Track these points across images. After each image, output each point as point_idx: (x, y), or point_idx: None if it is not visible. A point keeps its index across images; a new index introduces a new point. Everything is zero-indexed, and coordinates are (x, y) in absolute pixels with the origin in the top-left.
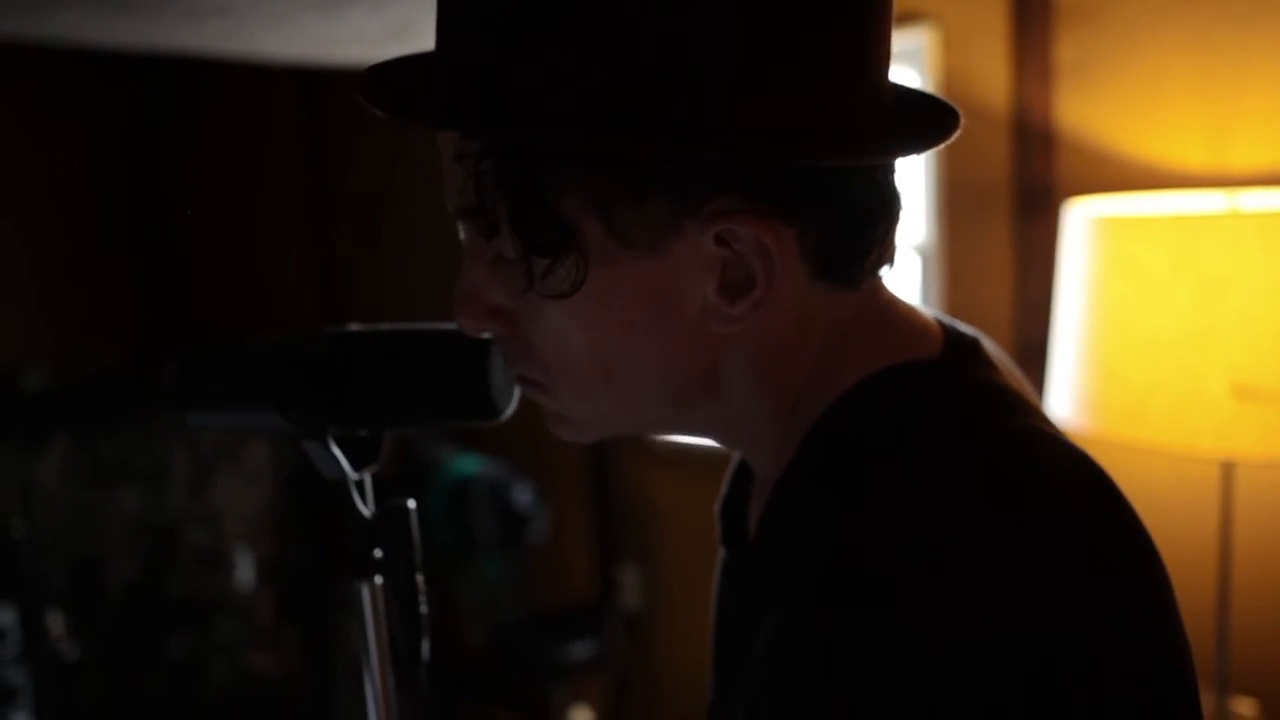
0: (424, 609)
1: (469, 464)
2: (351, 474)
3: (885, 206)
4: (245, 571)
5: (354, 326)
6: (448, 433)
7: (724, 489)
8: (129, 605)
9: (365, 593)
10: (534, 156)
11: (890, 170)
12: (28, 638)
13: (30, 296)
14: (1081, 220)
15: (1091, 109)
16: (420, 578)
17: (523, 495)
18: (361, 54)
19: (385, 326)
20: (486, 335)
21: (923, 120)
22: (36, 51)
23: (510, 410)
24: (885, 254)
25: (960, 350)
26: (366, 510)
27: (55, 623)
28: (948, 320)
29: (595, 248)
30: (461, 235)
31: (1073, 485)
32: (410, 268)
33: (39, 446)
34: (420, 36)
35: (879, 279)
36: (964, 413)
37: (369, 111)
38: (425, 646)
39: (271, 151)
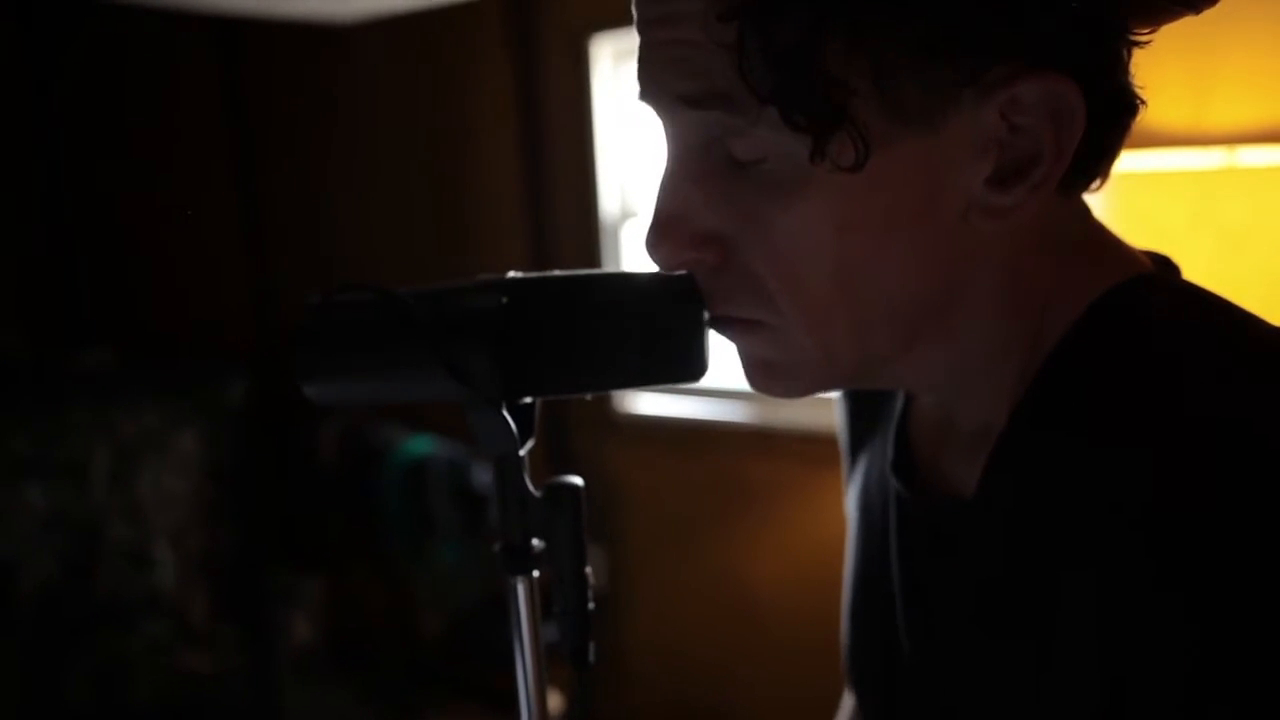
0: (592, 605)
1: (422, 444)
2: (521, 449)
3: (1135, 94)
4: (173, 567)
5: (515, 274)
6: (397, 412)
7: (892, 450)
8: (46, 608)
9: (522, 588)
10: (814, 6)
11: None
12: None
13: None
14: None
15: None
16: (589, 569)
17: (481, 475)
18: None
19: (557, 273)
20: (683, 271)
21: None
22: None
23: (710, 368)
24: (1113, 161)
25: (1168, 266)
26: (535, 490)
27: None
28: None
29: (869, 121)
30: (668, 146)
31: None
32: (351, 229)
33: None
34: None
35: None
36: (1233, 319)
37: None
38: (591, 648)
39: (192, 113)
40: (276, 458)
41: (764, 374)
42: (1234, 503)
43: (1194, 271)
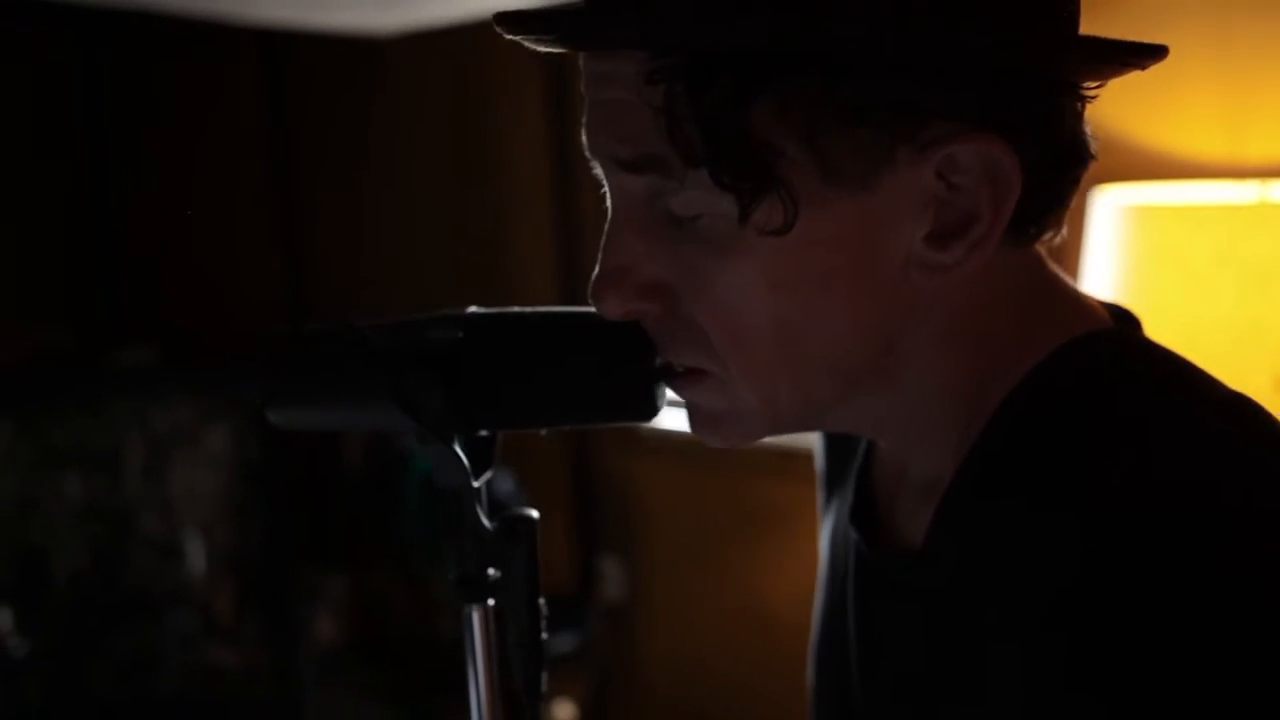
0: (545, 635)
1: None
2: (475, 481)
3: (1087, 146)
4: (202, 561)
5: (475, 309)
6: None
7: (852, 495)
8: (78, 598)
9: (477, 617)
10: (740, 70)
11: (1084, 109)
12: None
13: None
14: (1112, 209)
15: (1104, 94)
16: (543, 600)
17: (502, 484)
18: (343, 20)
19: (516, 310)
20: (629, 319)
21: (1120, 48)
22: None
23: (662, 408)
24: (1066, 210)
25: (1128, 321)
26: (488, 522)
27: (2, 618)
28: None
29: (801, 183)
30: (610, 200)
31: None
32: (385, 240)
33: None
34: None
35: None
36: (1186, 383)
37: (537, 43)
38: (544, 678)
39: (234, 120)
40: (304, 457)
41: (708, 424)
42: (1159, 590)
43: (1216, 310)
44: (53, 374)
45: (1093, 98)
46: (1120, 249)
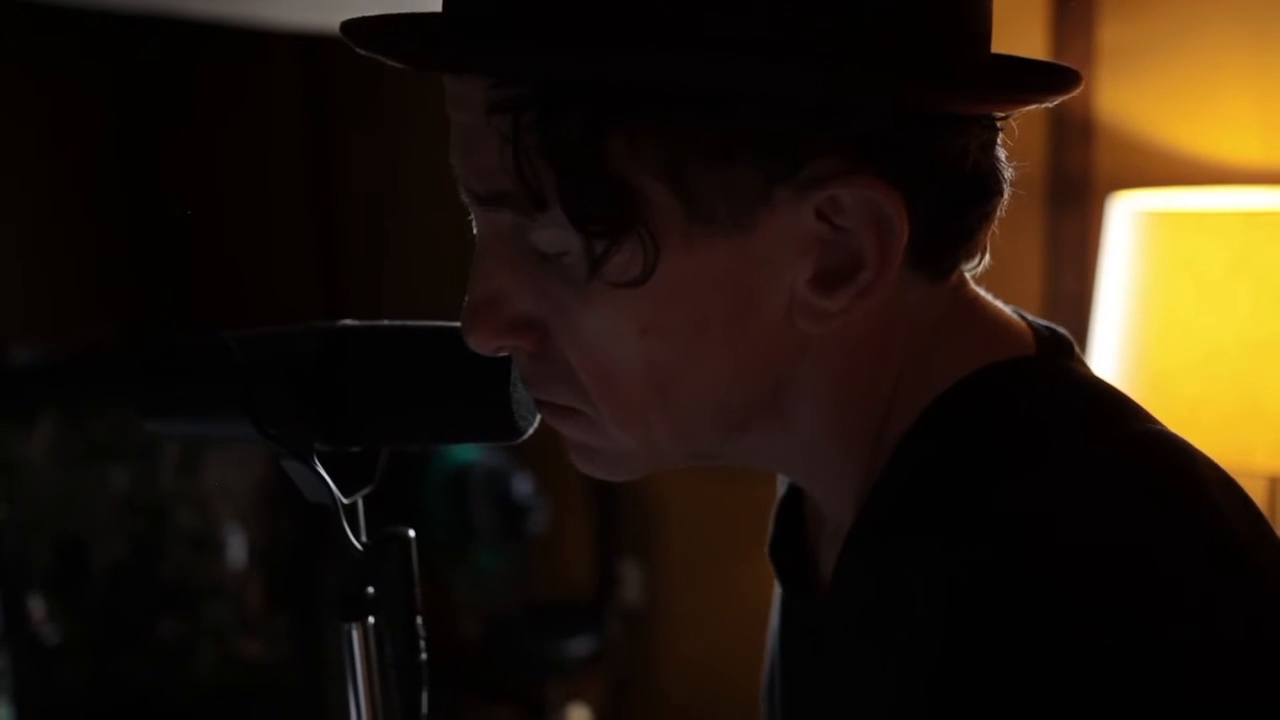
0: (423, 656)
1: (466, 451)
2: (341, 499)
3: (995, 178)
4: (236, 554)
5: (348, 322)
6: None
7: (772, 526)
8: (115, 587)
9: (355, 635)
10: (593, 101)
11: (995, 139)
12: (8, 622)
13: (20, 269)
14: (1128, 215)
15: (1135, 98)
16: (420, 620)
17: (522, 485)
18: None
19: (386, 323)
20: (502, 354)
21: (1035, 73)
22: (25, 12)
23: (532, 429)
24: (981, 240)
25: (1056, 348)
26: (359, 541)
27: (36, 606)
28: (1026, 314)
29: (665, 224)
30: (476, 229)
31: (1227, 491)
32: (416, 246)
33: (27, 423)
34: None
35: (962, 272)
36: (1090, 416)
37: (379, 59)
38: (424, 699)
39: (271, 121)
40: None
41: (584, 458)
42: (1024, 627)
43: (1230, 320)
44: (95, 369)
45: (1002, 126)
46: (1135, 256)
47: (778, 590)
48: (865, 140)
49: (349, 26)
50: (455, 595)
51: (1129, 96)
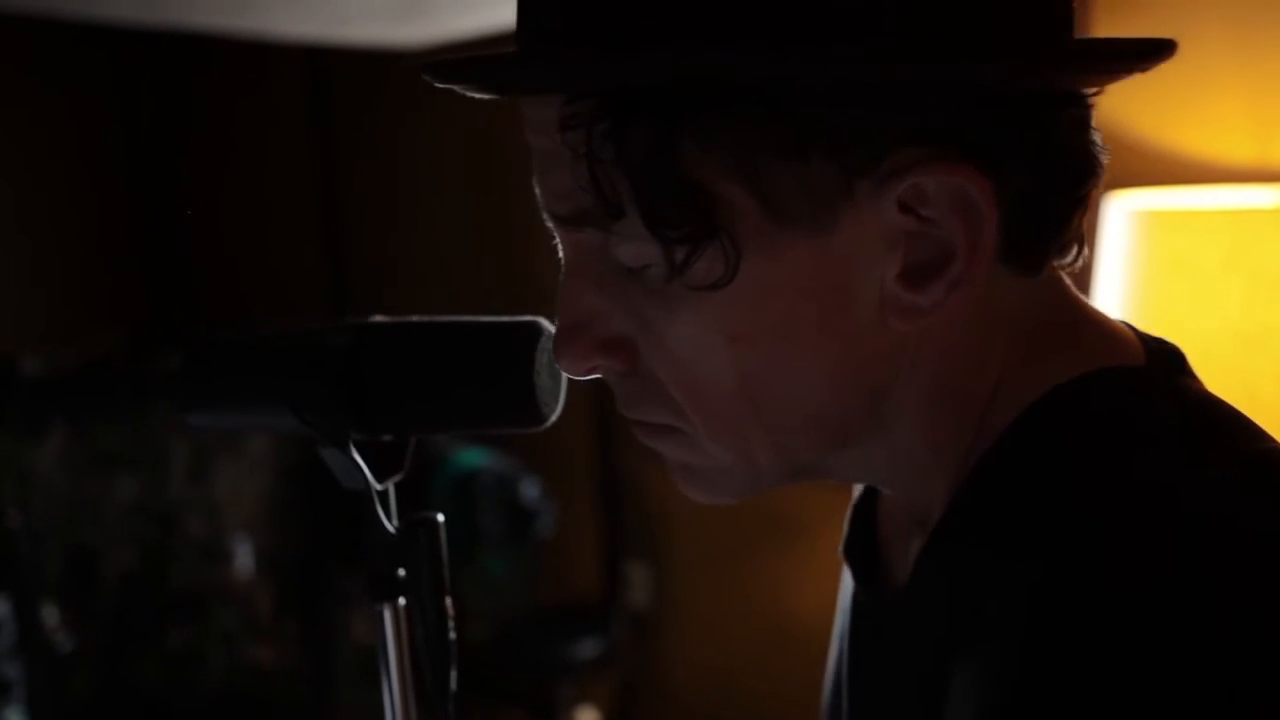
0: (453, 635)
1: (474, 456)
2: (375, 485)
3: (1089, 159)
4: (245, 561)
5: (378, 318)
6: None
7: (847, 527)
8: (126, 596)
9: (387, 616)
10: (660, 105)
11: (1088, 118)
12: (22, 629)
13: (29, 280)
14: (1122, 214)
15: (1127, 98)
16: (449, 600)
17: (530, 489)
18: (372, 33)
19: (414, 318)
20: (594, 375)
21: (1116, 50)
22: (36, 26)
23: (555, 415)
24: (1075, 229)
25: (1167, 359)
26: (390, 525)
27: (50, 614)
28: (1134, 326)
29: (744, 227)
30: (562, 252)
31: None
32: (421, 252)
33: (37, 434)
34: (432, 14)
35: (1060, 272)
36: (1205, 434)
37: (463, 90)
38: (453, 677)
39: (277, 131)
40: None
41: (686, 479)
42: (1104, 650)
43: (1224, 318)
44: (103, 379)
45: (1091, 104)
46: (1129, 256)
47: (844, 589)
48: (945, 125)
49: (429, 68)
50: (464, 599)
51: (1121, 96)
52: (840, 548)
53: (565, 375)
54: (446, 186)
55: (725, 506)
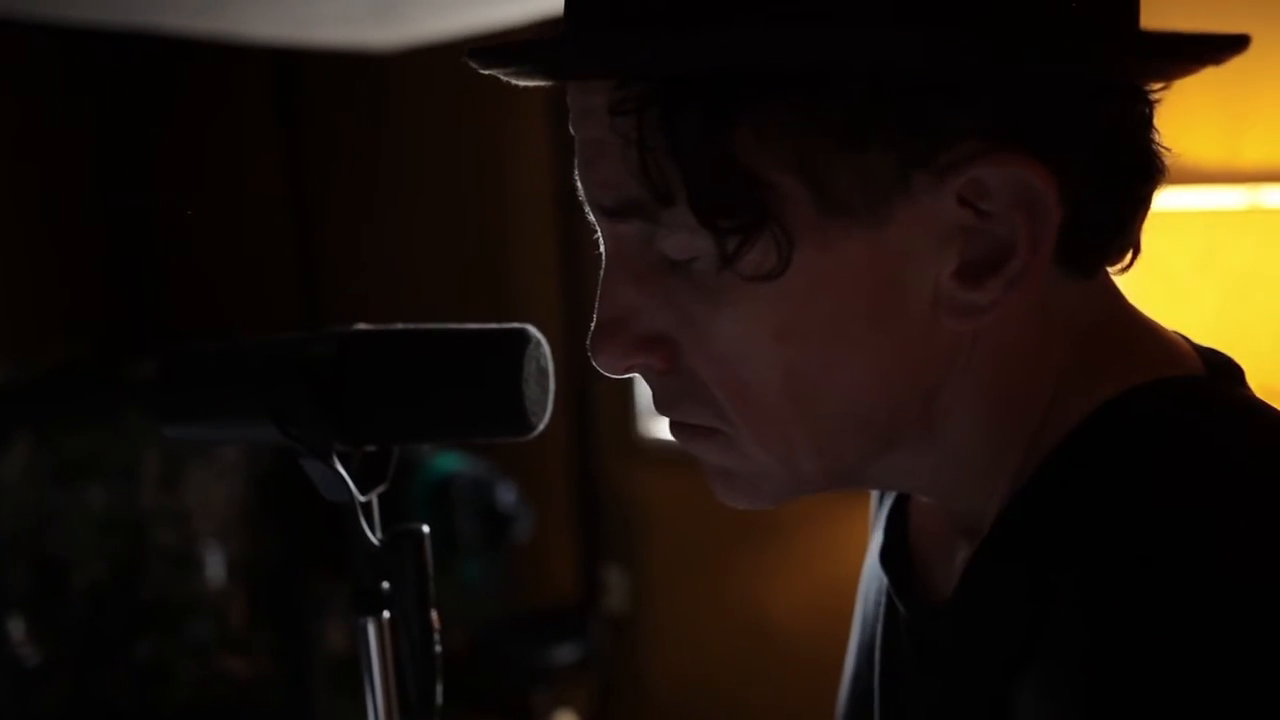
0: (438, 648)
1: (450, 461)
2: (359, 496)
3: (1152, 158)
4: (216, 571)
5: (362, 326)
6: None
7: (883, 535)
8: (95, 607)
9: (371, 630)
10: (715, 90)
11: (1151, 116)
12: None
13: None
14: None
15: None
16: (435, 613)
17: (505, 494)
18: (345, 35)
19: (400, 326)
20: (631, 374)
21: (1189, 42)
22: None
23: (543, 424)
24: (1134, 233)
25: (1224, 371)
26: (375, 537)
27: (16, 627)
28: (1188, 337)
29: (797, 218)
30: (604, 247)
31: None
32: (394, 255)
33: (2, 443)
34: (406, 16)
35: (1113, 280)
36: (1269, 446)
37: (513, 76)
38: (439, 690)
39: (247, 133)
40: None
41: (724, 483)
42: (1164, 671)
43: (1196, 318)
44: (70, 386)
45: (1158, 100)
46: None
47: (864, 598)
48: (1008, 116)
49: (474, 52)
50: (440, 605)
51: None
52: (876, 556)
53: (552, 383)
54: (417, 184)
55: (701, 511)
